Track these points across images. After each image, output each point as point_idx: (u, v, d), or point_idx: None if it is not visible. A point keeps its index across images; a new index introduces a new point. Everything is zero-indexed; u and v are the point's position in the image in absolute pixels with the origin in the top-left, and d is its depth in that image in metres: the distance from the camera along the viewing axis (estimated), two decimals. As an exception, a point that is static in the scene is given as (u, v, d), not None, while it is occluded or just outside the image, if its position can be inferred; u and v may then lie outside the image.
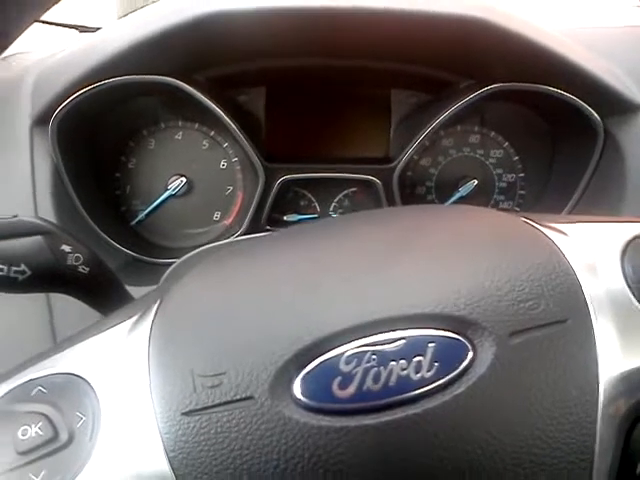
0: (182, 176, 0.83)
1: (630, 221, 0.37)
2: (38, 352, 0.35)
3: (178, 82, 0.72)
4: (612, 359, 0.30)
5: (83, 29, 0.94)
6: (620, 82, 0.70)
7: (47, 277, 0.43)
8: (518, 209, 0.87)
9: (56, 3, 0.34)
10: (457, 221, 0.38)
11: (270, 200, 0.81)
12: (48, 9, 0.34)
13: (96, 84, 0.69)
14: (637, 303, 0.32)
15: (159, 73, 0.71)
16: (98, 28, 0.90)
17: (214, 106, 0.74)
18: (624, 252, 0.34)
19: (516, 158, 0.87)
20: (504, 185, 0.87)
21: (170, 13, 0.65)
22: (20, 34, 0.34)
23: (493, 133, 0.86)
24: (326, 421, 0.27)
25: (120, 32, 0.67)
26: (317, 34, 0.69)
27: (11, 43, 0.33)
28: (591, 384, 0.29)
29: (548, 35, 0.68)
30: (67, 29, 0.93)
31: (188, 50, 0.70)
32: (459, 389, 0.28)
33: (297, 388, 0.28)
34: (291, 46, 0.73)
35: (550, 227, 0.36)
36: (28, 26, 0.34)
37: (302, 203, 0.86)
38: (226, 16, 0.64)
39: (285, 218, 0.86)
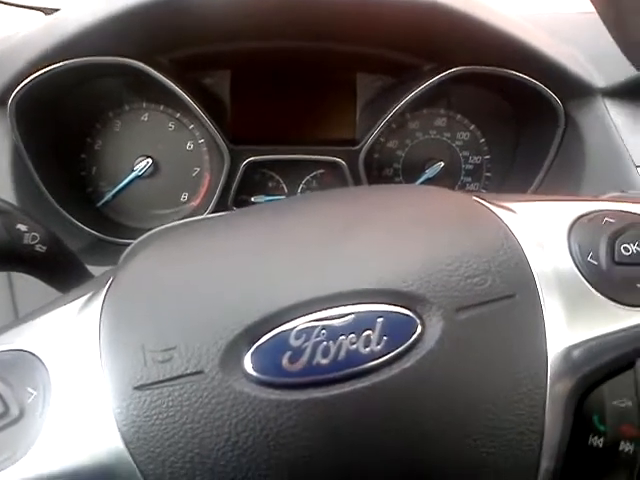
0: (148, 157, 0.82)
1: (577, 200, 0.38)
2: None
3: (140, 64, 0.71)
4: (559, 333, 0.31)
5: (49, 11, 0.92)
6: (580, 66, 0.71)
7: (4, 256, 0.43)
8: (484, 190, 0.89)
9: None
10: (410, 200, 0.38)
11: (236, 182, 0.81)
12: None
13: (55, 64, 0.68)
14: (583, 279, 0.33)
15: (121, 54, 0.70)
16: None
17: (177, 89, 0.73)
18: (571, 229, 0.35)
19: (482, 140, 0.88)
20: (470, 167, 0.88)
21: None
22: None
23: (459, 116, 0.87)
24: (276, 394, 0.28)
25: (81, 12, 0.66)
26: (282, 17, 0.69)
27: None
28: (539, 357, 0.30)
29: (507, 19, 0.69)
30: (32, 11, 0.91)
31: (151, 31, 0.69)
32: (407, 363, 0.28)
33: (247, 362, 0.28)
34: (256, 29, 0.73)
35: (500, 205, 0.36)
36: None
37: (270, 185, 0.86)
38: None
39: (253, 199, 0.86)
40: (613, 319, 0.32)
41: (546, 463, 0.30)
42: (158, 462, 0.28)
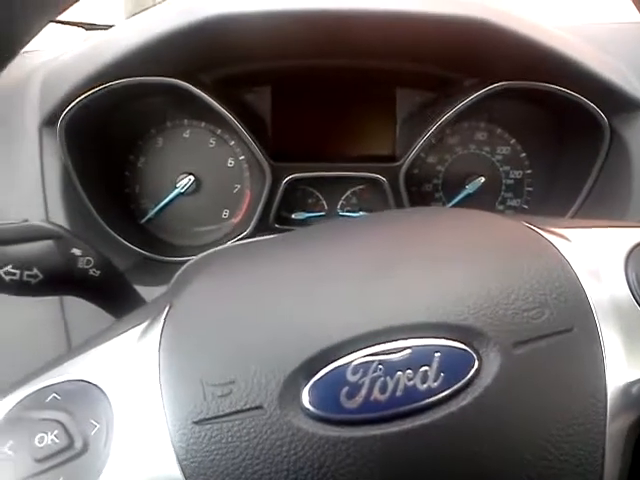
0: (190, 174, 0.83)
1: (633, 226, 0.37)
2: (52, 357, 0.35)
3: (184, 83, 0.72)
4: (618, 368, 0.30)
5: (90, 27, 0.94)
6: (625, 80, 0.70)
7: (59, 281, 0.44)
8: (526, 207, 0.87)
9: (74, 3, 0.34)
10: (460, 226, 0.38)
11: (277, 198, 0.81)
12: (66, 9, 0.34)
13: (104, 85, 0.69)
14: None
15: (165, 74, 0.72)
16: (105, 26, 0.91)
17: (219, 106, 0.74)
18: (628, 258, 0.34)
19: (523, 155, 0.87)
20: (511, 182, 0.87)
21: (176, 15, 0.65)
22: (36, 34, 0.34)
23: (499, 130, 0.86)
24: (334, 431, 0.28)
25: (128, 33, 0.68)
26: (321, 36, 0.70)
27: (27, 43, 0.34)
28: (598, 394, 0.30)
29: (549, 33, 0.68)
30: (74, 27, 0.94)
31: (194, 52, 0.70)
32: (465, 400, 0.28)
33: (305, 398, 0.29)
34: (296, 47, 0.74)
35: (553, 232, 0.36)
36: (44, 26, 0.34)
37: (310, 201, 0.87)
38: (232, 19, 0.65)
39: (293, 216, 0.86)
40: None
41: None
42: None
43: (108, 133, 0.80)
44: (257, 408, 0.28)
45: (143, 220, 0.84)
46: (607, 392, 0.30)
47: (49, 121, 0.70)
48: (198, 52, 0.71)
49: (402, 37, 0.69)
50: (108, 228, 0.75)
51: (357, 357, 0.29)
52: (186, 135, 0.84)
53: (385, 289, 0.32)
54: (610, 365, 0.30)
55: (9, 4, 0.29)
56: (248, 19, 0.65)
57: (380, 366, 0.29)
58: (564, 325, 0.31)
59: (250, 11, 0.64)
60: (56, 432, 0.29)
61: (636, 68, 0.72)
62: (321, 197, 0.86)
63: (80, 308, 0.48)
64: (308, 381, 0.29)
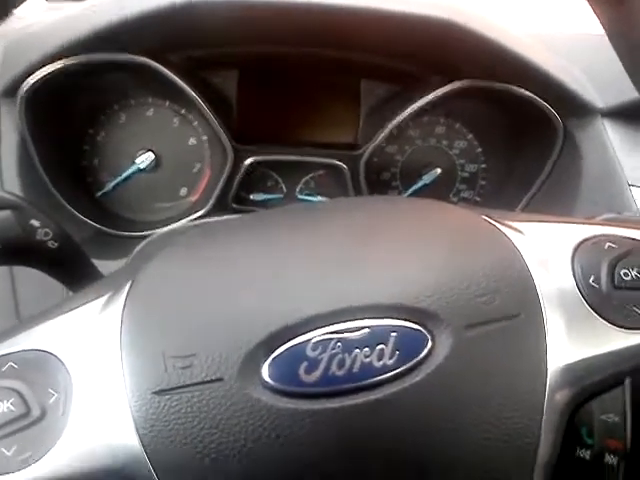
0: (150, 151, 0.83)
1: (582, 223, 0.39)
2: (6, 327, 0.35)
3: (152, 62, 0.72)
4: (560, 351, 0.32)
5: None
6: (581, 86, 0.73)
7: (16, 251, 0.43)
8: (478, 199, 0.90)
9: None
10: (421, 215, 0.40)
11: (237, 179, 0.82)
12: None
13: (69, 59, 0.68)
14: (584, 301, 0.34)
15: (133, 51, 0.71)
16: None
17: (185, 85, 0.74)
18: (575, 252, 0.36)
19: (479, 150, 0.89)
20: (466, 175, 0.90)
21: None
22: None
23: (458, 125, 0.88)
24: (292, 403, 0.29)
25: (97, 9, 0.66)
26: (290, 25, 0.70)
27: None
28: (539, 374, 0.32)
29: (512, 36, 0.71)
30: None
31: (164, 32, 0.70)
32: (418, 377, 0.30)
33: (265, 371, 0.29)
34: (265, 34, 0.74)
35: (507, 225, 0.38)
36: None
37: (269, 183, 0.87)
38: (204, 3, 0.64)
39: (251, 197, 0.86)
40: (609, 340, 0.33)
41: (538, 475, 0.32)
42: (174, 466, 0.29)
43: (69, 106, 0.78)
44: (217, 380, 0.29)
45: (99, 194, 0.83)
46: (547, 372, 0.32)
47: (9, 92, 0.69)
48: (168, 33, 0.70)
49: (370, 32, 0.71)
50: (63, 201, 0.74)
51: (317, 334, 0.30)
52: (149, 113, 0.83)
53: (345, 271, 0.33)
54: (552, 348, 0.32)
55: None
56: (217, 4, 0.65)
57: (339, 343, 0.30)
58: (512, 311, 0.32)
59: None
60: (12, 400, 0.29)
61: (592, 75, 0.75)
62: (280, 180, 0.87)
63: (30, 279, 0.47)
64: (269, 356, 0.30)
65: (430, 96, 0.77)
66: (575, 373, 0.32)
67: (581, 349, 0.33)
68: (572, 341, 0.33)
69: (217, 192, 0.81)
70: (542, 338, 0.32)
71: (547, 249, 0.36)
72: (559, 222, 0.39)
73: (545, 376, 0.32)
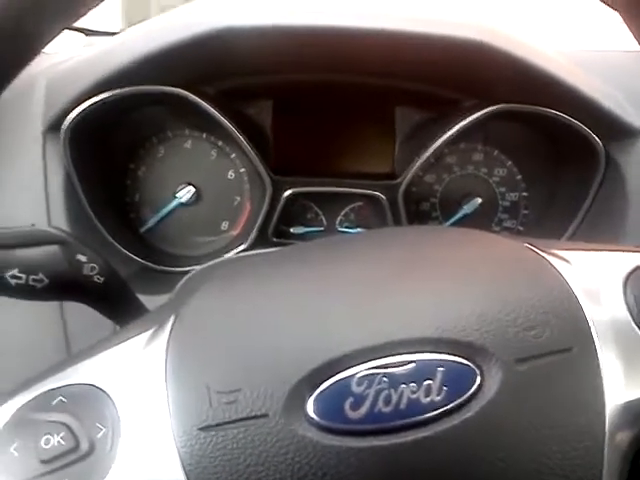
0: (190, 184, 0.84)
1: (632, 250, 0.38)
2: (56, 361, 0.35)
3: (187, 94, 0.73)
4: (616, 388, 0.31)
5: (90, 32, 0.95)
6: (620, 107, 0.72)
7: (64, 286, 0.44)
8: (522, 228, 0.88)
9: (90, 10, 0.35)
10: (464, 245, 0.39)
11: (277, 212, 0.82)
12: (83, 15, 0.35)
13: (109, 92, 0.70)
14: (639, 331, 0.33)
15: (170, 84, 0.72)
16: (105, 32, 0.92)
17: (222, 118, 0.75)
18: (626, 281, 0.35)
19: (519, 177, 0.88)
20: (507, 204, 0.88)
21: (183, 26, 0.66)
22: (52, 40, 0.34)
23: (496, 152, 0.87)
24: (338, 441, 0.28)
25: (134, 42, 0.68)
26: (324, 52, 0.71)
27: (42, 49, 0.34)
28: (597, 412, 0.30)
29: (548, 57, 0.70)
30: (74, 32, 0.94)
31: (199, 63, 0.71)
32: (468, 413, 0.29)
33: (310, 407, 0.29)
34: (299, 62, 0.75)
35: (553, 254, 0.37)
36: (60, 32, 0.34)
37: (309, 216, 0.87)
38: (236, 32, 0.65)
39: (292, 230, 0.87)
40: None
41: None
42: None
43: (110, 141, 0.80)
44: (262, 416, 0.29)
45: (142, 229, 0.85)
46: (606, 411, 0.30)
47: (53, 127, 0.71)
48: (202, 63, 0.72)
49: (402, 57, 0.71)
50: (108, 236, 0.76)
51: (362, 369, 0.30)
52: (187, 145, 0.85)
53: (390, 304, 0.33)
54: (608, 385, 0.31)
55: (29, 10, 0.30)
56: (249, 33, 0.66)
57: (385, 378, 0.29)
58: (564, 344, 0.31)
59: (251, 25, 0.65)
60: (62, 434, 0.30)
61: (631, 96, 0.73)
62: (320, 212, 0.87)
63: (80, 314, 0.48)
64: (314, 391, 0.29)
65: (465, 121, 0.76)
66: (636, 411, 0.31)
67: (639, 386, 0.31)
68: (629, 377, 0.32)
69: (257, 226, 0.82)
70: (597, 373, 0.31)
71: (596, 279, 0.35)
72: (607, 250, 0.38)
73: (604, 415, 0.30)
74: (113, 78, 0.69)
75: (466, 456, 0.29)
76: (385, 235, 0.45)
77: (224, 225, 0.86)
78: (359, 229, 0.88)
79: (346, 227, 0.88)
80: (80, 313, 0.48)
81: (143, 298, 0.50)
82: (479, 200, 0.86)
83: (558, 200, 0.84)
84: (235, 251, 0.82)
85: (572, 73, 0.71)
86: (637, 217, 0.71)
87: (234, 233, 0.86)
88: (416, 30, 0.66)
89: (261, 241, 0.82)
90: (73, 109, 0.70)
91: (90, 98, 0.70)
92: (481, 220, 0.87)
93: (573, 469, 0.29)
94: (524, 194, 0.88)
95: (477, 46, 0.66)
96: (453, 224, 0.87)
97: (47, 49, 0.34)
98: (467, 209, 0.87)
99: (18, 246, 0.43)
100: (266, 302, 0.34)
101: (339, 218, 0.87)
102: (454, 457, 0.29)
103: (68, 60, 0.74)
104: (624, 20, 0.38)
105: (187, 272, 0.68)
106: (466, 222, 0.87)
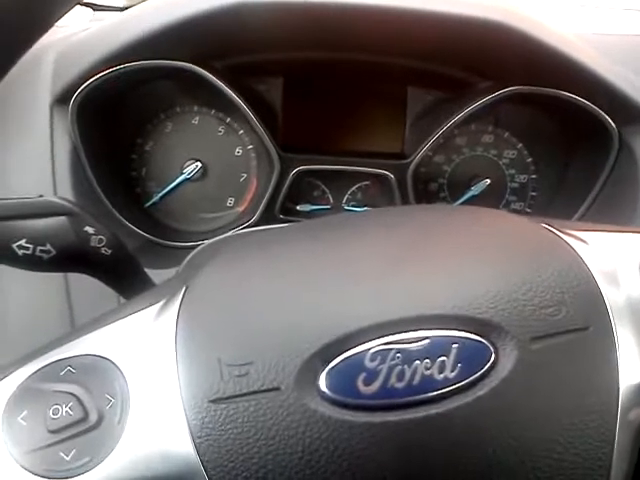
0: (197, 160, 0.83)
1: None
2: (59, 333, 0.35)
3: (197, 68, 0.72)
4: (632, 367, 0.31)
5: (97, 7, 0.94)
6: (635, 90, 0.70)
7: (71, 257, 0.44)
8: (529, 210, 0.88)
9: None
10: (479, 223, 0.39)
11: (284, 189, 0.81)
12: None
13: (118, 66, 0.69)
14: None
15: (179, 58, 0.72)
16: (113, 7, 0.90)
17: (232, 93, 0.74)
18: None
19: (529, 160, 0.87)
20: (516, 186, 0.88)
21: (193, 1, 0.65)
22: (63, 15, 0.34)
23: (507, 134, 0.86)
24: (350, 415, 0.28)
25: (143, 17, 0.68)
26: (336, 29, 0.70)
27: (54, 23, 0.33)
28: (611, 391, 0.30)
29: (565, 40, 0.69)
30: (82, 6, 0.93)
31: (209, 38, 0.70)
32: (481, 391, 0.29)
33: (323, 381, 0.29)
34: (310, 39, 0.73)
35: (571, 235, 0.36)
36: (72, 8, 0.34)
37: (315, 194, 0.87)
38: (248, 7, 0.65)
39: (298, 208, 0.86)
40: None
41: None
42: (230, 475, 0.28)
43: (118, 115, 0.80)
44: (274, 389, 0.29)
45: (148, 204, 0.84)
46: (619, 389, 0.30)
47: (61, 100, 0.70)
48: (213, 38, 0.71)
49: (417, 35, 0.70)
50: (114, 210, 0.75)
51: (376, 344, 0.29)
52: (195, 122, 0.84)
53: (405, 280, 0.32)
54: (624, 364, 0.31)
55: None
56: (261, 9, 0.65)
57: (398, 354, 0.29)
58: (580, 323, 0.31)
59: (264, 1, 0.64)
60: (71, 404, 0.29)
61: None
62: (327, 190, 0.86)
63: (84, 285, 0.48)
64: (326, 365, 0.29)
65: (478, 103, 0.75)
66: None
67: None
68: None
69: (264, 202, 0.81)
70: (613, 353, 0.31)
71: (613, 259, 0.35)
72: (624, 232, 0.38)
73: (617, 393, 0.30)
74: (122, 52, 0.68)
75: (478, 433, 0.29)
76: (399, 212, 0.45)
77: (230, 201, 0.86)
78: (366, 208, 0.87)
79: (353, 206, 0.87)
80: (84, 285, 0.48)
81: (148, 272, 0.50)
82: (488, 181, 0.86)
83: (567, 183, 0.84)
84: (241, 228, 0.81)
85: (588, 56, 0.69)
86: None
87: (240, 209, 0.86)
88: (432, 8, 0.65)
89: (267, 218, 0.81)
90: (82, 83, 0.69)
91: (99, 72, 0.69)
92: (489, 201, 0.87)
93: (585, 447, 0.29)
94: (533, 176, 0.87)
95: (494, 26, 0.65)
96: (461, 205, 0.87)
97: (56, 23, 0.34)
98: (475, 190, 0.86)
99: (26, 217, 0.42)
100: (279, 276, 0.34)
101: (346, 197, 0.87)
102: (466, 434, 0.28)
103: (78, 33, 0.73)
104: None
105: (192, 247, 0.68)
106: (474, 203, 0.86)
